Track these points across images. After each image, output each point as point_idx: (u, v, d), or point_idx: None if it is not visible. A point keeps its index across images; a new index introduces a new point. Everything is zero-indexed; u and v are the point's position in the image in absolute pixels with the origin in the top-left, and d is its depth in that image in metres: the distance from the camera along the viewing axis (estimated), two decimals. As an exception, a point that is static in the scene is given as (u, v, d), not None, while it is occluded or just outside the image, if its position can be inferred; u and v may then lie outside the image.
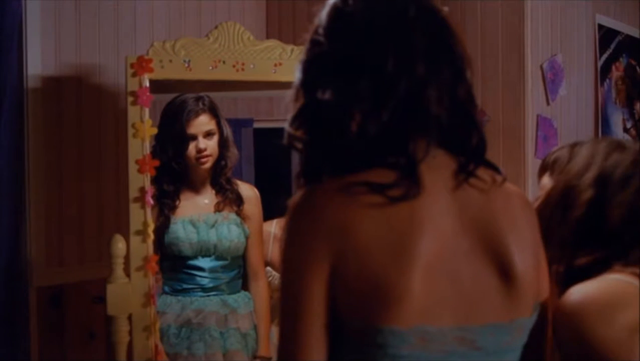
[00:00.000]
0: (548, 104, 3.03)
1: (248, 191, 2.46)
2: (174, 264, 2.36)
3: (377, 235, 0.92)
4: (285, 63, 2.52)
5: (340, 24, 1.02)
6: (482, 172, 1.02)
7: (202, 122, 2.35)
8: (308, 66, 1.03)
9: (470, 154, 1.01)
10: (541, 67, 2.97)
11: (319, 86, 0.99)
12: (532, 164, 2.89)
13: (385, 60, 0.97)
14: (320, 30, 1.03)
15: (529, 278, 0.99)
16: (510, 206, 1.02)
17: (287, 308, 0.96)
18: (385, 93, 0.97)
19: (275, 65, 2.52)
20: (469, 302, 0.95)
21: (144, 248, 2.33)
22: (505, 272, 0.97)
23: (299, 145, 1.01)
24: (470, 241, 0.96)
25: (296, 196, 0.98)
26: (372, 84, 0.97)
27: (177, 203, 2.36)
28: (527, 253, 1.00)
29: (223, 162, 2.40)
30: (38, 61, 2.67)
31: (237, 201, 2.41)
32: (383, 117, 0.96)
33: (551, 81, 3.03)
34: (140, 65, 2.36)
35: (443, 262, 0.94)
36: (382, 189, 0.93)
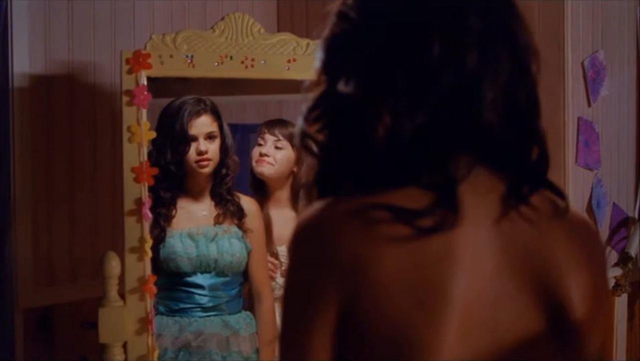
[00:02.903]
0: (589, 105, 2.82)
1: (249, 204, 2.38)
2: (170, 282, 2.27)
3: (401, 275, 0.77)
4: (300, 59, 2.37)
5: None
6: (540, 197, 0.86)
7: (204, 123, 2.26)
8: (331, 45, 0.86)
9: (527, 173, 0.85)
10: (582, 64, 2.76)
11: (343, 73, 0.83)
12: (573, 171, 2.71)
13: (430, 44, 0.79)
14: (350, 1, 0.86)
15: (591, 323, 0.84)
16: (573, 239, 0.86)
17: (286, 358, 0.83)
18: (424, 88, 0.80)
19: (289, 61, 2.37)
20: (513, 356, 0.81)
21: (140, 267, 2.20)
22: (561, 319, 0.82)
23: (314, 147, 0.85)
24: (516, 282, 0.81)
25: (304, 214, 0.83)
26: (409, 76, 0.80)
27: (174, 212, 2.28)
28: (591, 295, 0.84)
29: (224, 171, 2.32)
30: (25, 58, 2.57)
31: (239, 213, 2.34)
32: (417, 119, 0.79)
33: (592, 80, 2.81)
34: (137, 60, 2.23)
35: (482, 309, 0.80)
36: (411, 218, 0.78)
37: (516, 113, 0.83)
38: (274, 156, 2.44)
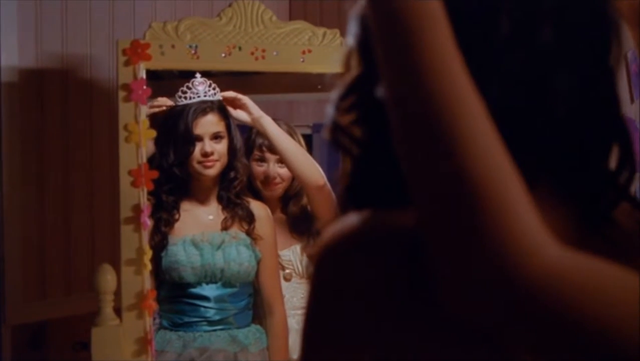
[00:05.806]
0: (632, 101, 2.69)
1: (259, 209, 2.33)
2: (173, 293, 2.22)
3: None
4: (316, 50, 2.28)
5: None
6: (620, 212, 0.75)
7: (210, 122, 2.21)
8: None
9: (607, 184, 0.73)
10: (625, 57, 2.58)
11: None
12: (615, 174, 2.55)
13: (498, 18, 0.69)
14: None
15: None
16: None
17: None
18: (489, 71, 0.68)
19: (304, 52, 2.29)
20: None
21: (138, 281, 2.15)
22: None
23: (347, 142, 0.75)
24: None
25: (333, 231, 0.73)
26: (471, 57, 0.67)
27: (177, 217, 2.23)
28: None
29: (232, 174, 2.25)
30: (14, 50, 2.52)
31: (248, 218, 2.28)
32: None
33: (635, 74, 2.69)
34: (135, 51, 2.16)
35: None
36: None
37: (596, 107, 0.72)
38: (280, 174, 2.43)
